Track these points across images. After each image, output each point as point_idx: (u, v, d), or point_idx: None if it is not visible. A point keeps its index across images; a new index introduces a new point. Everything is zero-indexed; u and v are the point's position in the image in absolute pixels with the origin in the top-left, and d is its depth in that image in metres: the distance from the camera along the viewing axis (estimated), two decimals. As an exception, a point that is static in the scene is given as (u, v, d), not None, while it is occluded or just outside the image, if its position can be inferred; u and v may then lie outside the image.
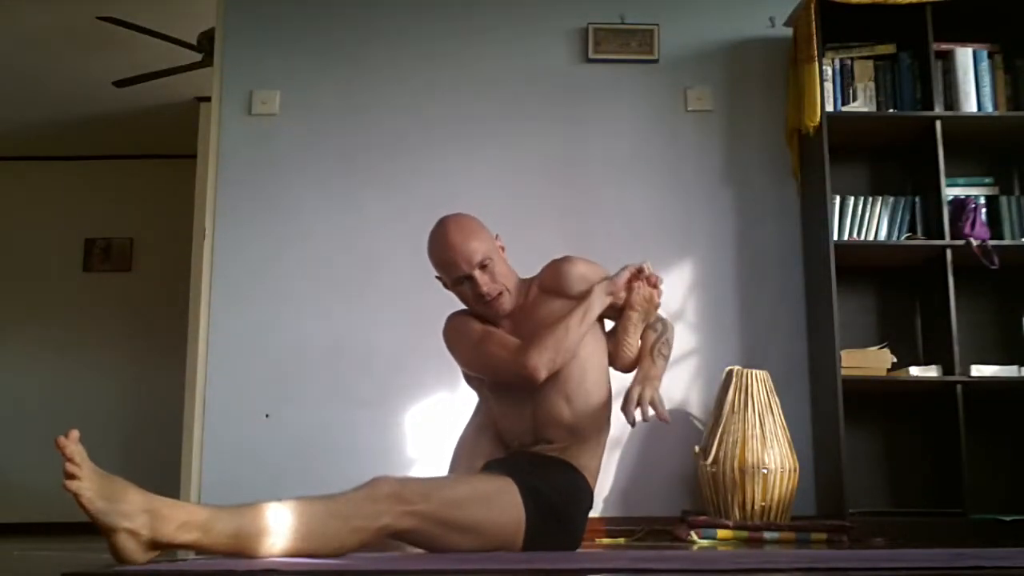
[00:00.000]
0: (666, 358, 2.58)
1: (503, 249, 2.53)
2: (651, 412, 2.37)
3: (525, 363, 2.33)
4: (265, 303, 3.82)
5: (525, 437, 2.42)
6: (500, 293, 2.45)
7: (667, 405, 3.69)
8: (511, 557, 1.97)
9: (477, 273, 2.41)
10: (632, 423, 2.38)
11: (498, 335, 2.45)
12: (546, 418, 2.39)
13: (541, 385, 2.37)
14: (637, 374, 2.49)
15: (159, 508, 1.75)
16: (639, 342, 2.54)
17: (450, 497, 2.09)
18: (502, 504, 2.17)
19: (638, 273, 2.52)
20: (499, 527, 2.16)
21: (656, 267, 3.87)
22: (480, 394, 2.58)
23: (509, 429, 2.46)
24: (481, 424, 2.55)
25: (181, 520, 1.78)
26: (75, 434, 1.72)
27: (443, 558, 1.99)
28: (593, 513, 3.60)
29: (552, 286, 2.50)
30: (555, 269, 2.52)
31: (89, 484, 1.72)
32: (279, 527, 1.89)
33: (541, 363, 2.33)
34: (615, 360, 2.55)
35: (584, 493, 2.39)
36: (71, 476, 1.71)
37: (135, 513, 1.73)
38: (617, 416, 2.44)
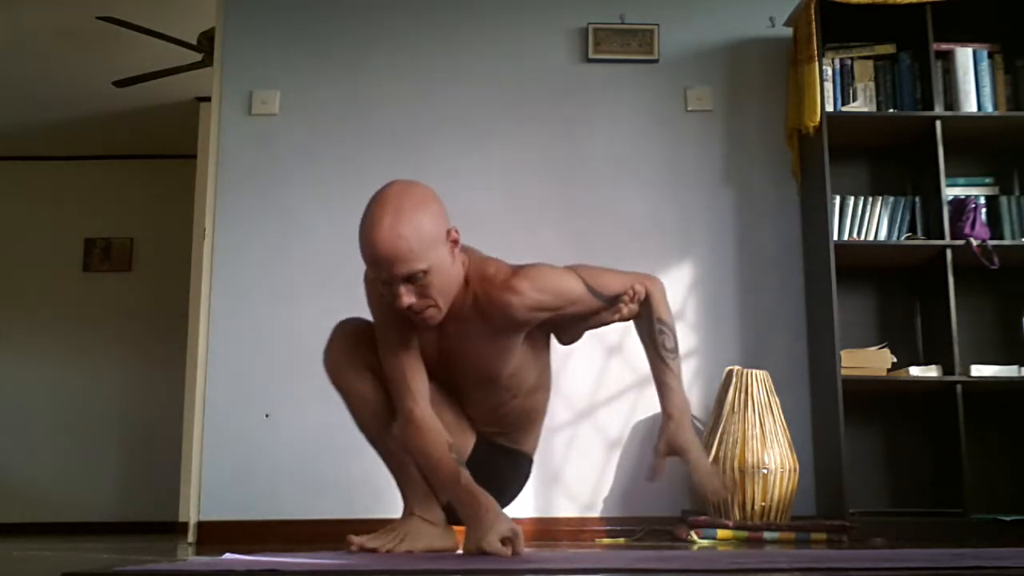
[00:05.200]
0: (674, 352, 2.23)
1: (456, 244, 2.11)
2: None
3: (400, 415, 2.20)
4: (265, 303, 3.82)
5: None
6: (427, 307, 2.07)
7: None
8: (512, 557, 1.97)
9: (401, 288, 2.03)
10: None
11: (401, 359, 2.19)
12: (484, 417, 2.34)
13: (471, 389, 2.28)
14: (666, 405, 2.21)
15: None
16: None
17: None
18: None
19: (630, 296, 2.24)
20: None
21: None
22: None
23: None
24: None
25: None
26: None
27: (443, 558, 1.99)
28: (593, 513, 3.64)
29: (490, 315, 2.12)
30: (501, 302, 2.10)
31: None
32: None
33: (400, 424, 2.20)
34: (563, 335, 2.35)
35: (523, 469, 2.42)
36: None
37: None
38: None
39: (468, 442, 2.30)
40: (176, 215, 6.52)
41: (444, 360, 2.24)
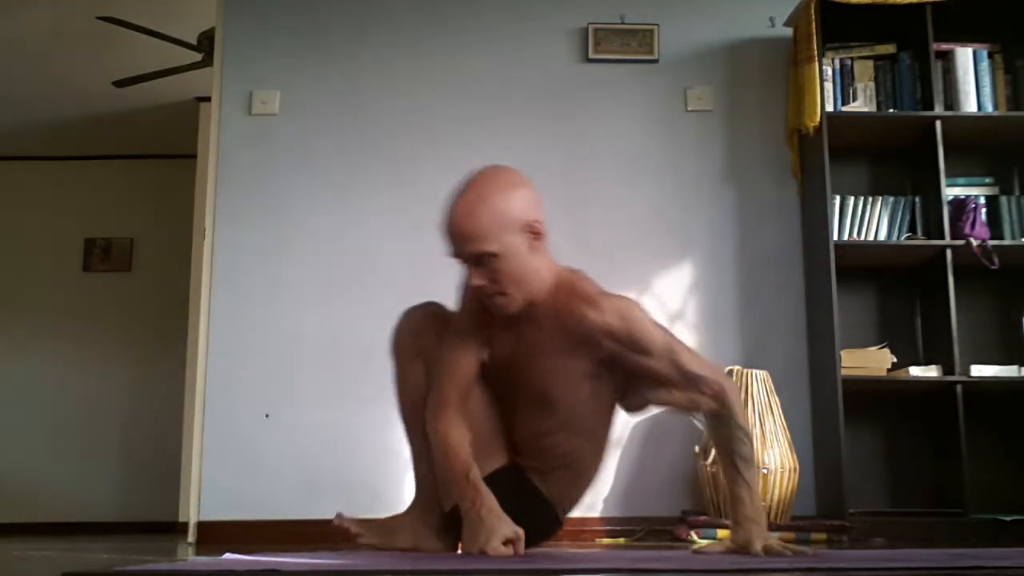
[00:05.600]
0: (749, 460, 2.09)
1: (538, 236, 2.08)
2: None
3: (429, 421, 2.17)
4: (265, 302, 3.82)
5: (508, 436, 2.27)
6: (497, 293, 2.07)
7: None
8: (511, 557, 1.97)
9: (472, 269, 2.05)
10: None
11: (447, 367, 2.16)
12: (528, 442, 2.23)
13: (526, 407, 2.19)
14: (735, 510, 2.08)
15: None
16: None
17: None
18: None
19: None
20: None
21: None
22: None
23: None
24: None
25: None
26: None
27: (444, 558, 1.99)
28: (593, 513, 3.63)
29: (567, 324, 2.09)
30: (579, 311, 2.07)
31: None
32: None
33: (428, 413, 2.16)
34: (630, 399, 2.22)
35: (544, 519, 2.27)
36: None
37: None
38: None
39: (493, 462, 2.19)
40: (176, 215, 6.52)
41: (513, 366, 2.19)
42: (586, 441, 2.23)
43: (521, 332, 2.15)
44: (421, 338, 2.25)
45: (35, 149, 7.01)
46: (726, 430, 2.12)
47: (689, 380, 2.11)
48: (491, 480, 2.13)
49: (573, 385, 2.14)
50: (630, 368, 2.13)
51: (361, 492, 3.61)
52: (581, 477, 2.29)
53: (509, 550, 1.98)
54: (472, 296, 2.17)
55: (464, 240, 2.02)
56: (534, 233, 2.07)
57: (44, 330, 6.89)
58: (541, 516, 2.26)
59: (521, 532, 2.02)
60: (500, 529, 2.00)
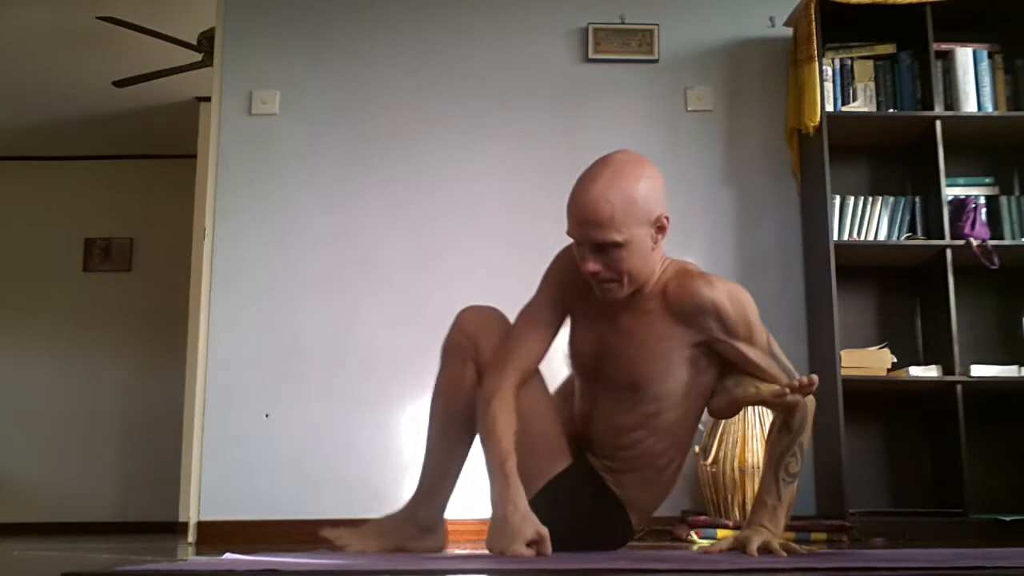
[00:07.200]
0: (794, 477, 2.10)
1: (663, 231, 2.04)
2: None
3: (484, 385, 2.12)
4: (265, 303, 3.82)
5: (582, 432, 2.22)
6: (611, 280, 2.02)
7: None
8: (511, 557, 1.97)
9: (591, 255, 1.99)
10: None
11: (532, 328, 2.12)
12: (605, 439, 2.18)
13: (609, 397, 2.14)
14: (753, 514, 2.08)
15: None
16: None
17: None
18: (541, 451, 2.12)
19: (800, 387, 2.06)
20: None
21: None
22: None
23: (575, 416, 2.25)
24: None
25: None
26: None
27: (443, 558, 1.99)
28: (593, 513, 3.63)
29: (673, 304, 2.06)
30: (693, 287, 2.04)
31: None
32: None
33: (485, 391, 2.10)
34: (717, 399, 2.17)
35: (614, 523, 2.22)
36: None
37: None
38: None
39: (560, 462, 2.15)
40: (176, 215, 6.52)
41: (601, 355, 2.13)
42: (664, 441, 2.17)
43: (616, 322, 2.10)
44: (475, 344, 2.16)
45: (35, 149, 7.01)
46: (787, 440, 2.10)
47: (785, 371, 2.12)
48: (560, 478, 2.10)
49: (664, 368, 2.10)
50: (726, 356, 2.11)
51: (361, 492, 3.61)
52: (655, 480, 2.22)
53: (531, 552, 1.92)
54: (557, 281, 2.14)
55: (593, 226, 1.96)
56: (660, 228, 2.03)
57: (44, 330, 6.89)
58: (610, 516, 2.21)
59: (545, 532, 1.94)
60: (523, 530, 1.93)
